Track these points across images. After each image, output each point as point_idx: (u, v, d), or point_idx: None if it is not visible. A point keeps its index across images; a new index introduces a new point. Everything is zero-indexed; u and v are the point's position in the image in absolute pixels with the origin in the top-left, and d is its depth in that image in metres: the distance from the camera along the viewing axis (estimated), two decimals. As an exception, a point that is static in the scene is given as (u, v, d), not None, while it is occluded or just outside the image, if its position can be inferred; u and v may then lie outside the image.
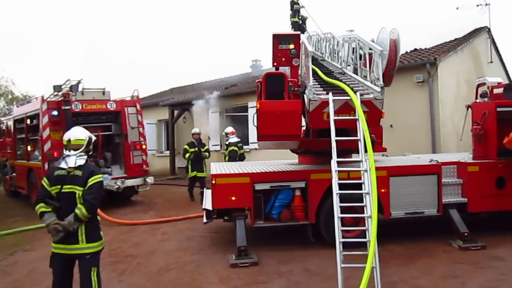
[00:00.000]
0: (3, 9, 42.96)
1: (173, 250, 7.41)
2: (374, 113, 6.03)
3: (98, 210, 9.93)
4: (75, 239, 4.25)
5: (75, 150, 4.41)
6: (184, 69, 51.12)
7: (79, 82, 11.70)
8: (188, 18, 62.83)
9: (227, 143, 11.63)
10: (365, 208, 5.47)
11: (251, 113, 15.52)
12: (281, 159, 10.75)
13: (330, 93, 5.88)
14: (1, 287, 5.96)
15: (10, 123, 13.94)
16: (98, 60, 51.18)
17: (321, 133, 7.02)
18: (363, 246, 5.98)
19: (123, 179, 11.57)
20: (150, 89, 39.78)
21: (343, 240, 5.21)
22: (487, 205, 7.37)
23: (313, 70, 6.49)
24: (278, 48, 7.00)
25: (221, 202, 6.88)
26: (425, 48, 13.15)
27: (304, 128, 7.03)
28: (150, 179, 11.94)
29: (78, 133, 4.52)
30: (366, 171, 5.48)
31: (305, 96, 6.49)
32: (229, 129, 11.98)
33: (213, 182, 6.81)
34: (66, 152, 4.42)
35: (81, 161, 4.37)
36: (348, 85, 6.11)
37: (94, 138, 4.75)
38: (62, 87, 10.82)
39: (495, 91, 8.12)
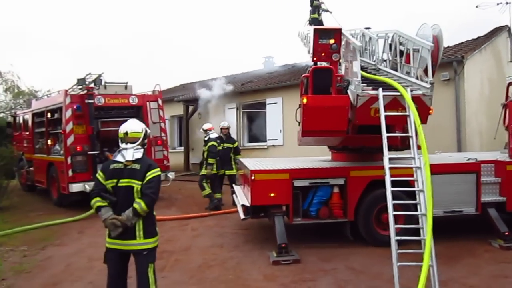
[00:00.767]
0: (3, 3, 42.59)
1: (208, 246, 7.31)
2: (422, 109, 5.92)
3: None
4: (133, 235, 4.14)
5: (131, 143, 4.30)
6: (194, 65, 50.88)
7: (99, 76, 11.56)
8: (198, 13, 62.55)
9: (206, 138, 10.97)
10: (418, 206, 5.36)
11: (269, 110, 15.49)
12: (301, 156, 10.69)
13: (380, 89, 5.77)
14: (41, 282, 5.85)
15: (27, 116, 13.81)
16: (100, 56, 50.80)
17: (360, 130, 6.90)
18: (404, 244, 6.00)
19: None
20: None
21: (398, 238, 5.09)
22: (526, 204, 7.27)
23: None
24: (318, 43, 6.85)
25: (260, 199, 6.77)
26: (448, 46, 13.02)
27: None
28: (171, 175, 11.83)
29: (134, 126, 4.41)
30: (419, 168, 5.37)
31: (348, 91, 6.41)
32: (208, 125, 11.32)
33: (253, 178, 6.70)
34: (122, 145, 4.30)
35: (139, 155, 4.26)
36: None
37: (149, 131, 4.66)
38: (86, 80, 10.67)
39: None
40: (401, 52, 7.14)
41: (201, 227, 8.68)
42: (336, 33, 6.89)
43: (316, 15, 15.14)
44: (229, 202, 10.47)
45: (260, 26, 60.01)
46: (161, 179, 4.35)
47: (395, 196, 6.95)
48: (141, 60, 53.88)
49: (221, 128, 11.20)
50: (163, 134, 12.03)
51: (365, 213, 6.95)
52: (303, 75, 6.58)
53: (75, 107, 10.52)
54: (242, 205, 6.92)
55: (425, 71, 6.41)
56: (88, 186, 10.39)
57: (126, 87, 11.71)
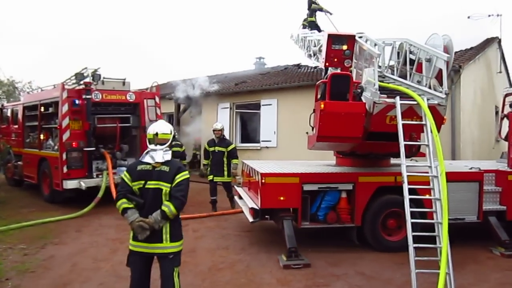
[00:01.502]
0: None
1: (214, 248, 7.25)
2: (436, 119, 6.02)
3: None
4: (159, 238, 4.08)
5: (161, 144, 4.23)
6: (181, 63, 50.45)
7: (96, 70, 11.36)
8: (187, 12, 62.11)
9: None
10: (434, 214, 5.44)
11: (264, 111, 15.49)
12: (295, 159, 10.71)
13: (398, 97, 5.84)
14: (49, 282, 5.69)
15: (17, 109, 13.42)
16: (83, 50, 49.81)
17: (369, 136, 6.97)
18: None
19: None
20: (142, 81, 39.25)
21: (416, 245, 5.16)
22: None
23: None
24: (331, 48, 6.89)
25: (269, 202, 6.76)
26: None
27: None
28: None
29: (164, 127, 4.33)
30: (436, 177, 5.46)
31: (362, 98, 6.46)
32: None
33: (263, 181, 6.68)
34: (151, 146, 4.22)
35: (168, 156, 4.20)
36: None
37: (175, 132, 4.59)
38: (84, 75, 10.45)
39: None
40: (411, 61, 7.26)
41: (202, 229, 8.60)
42: (350, 39, 6.94)
43: (313, 19, 15.36)
44: (223, 204, 10.40)
45: (251, 27, 60.02)
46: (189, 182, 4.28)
47: (401, 203, 7.11)
48: (128, 56, 53.01)
49: (213, 130, 10.20)
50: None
51: (372, 219, 7.02)
52: (320, 81, 6.60)
53: (72, 102, 10.29)
54: (252, 208, 6.88)
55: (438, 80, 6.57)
56: (83, 183, 10.23)
57: (124, 83, 11.50)
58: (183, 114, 17.98)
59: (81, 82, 10.44)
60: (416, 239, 6.03)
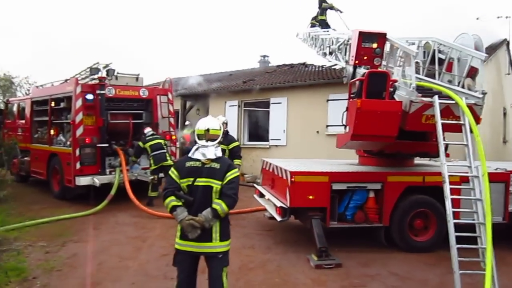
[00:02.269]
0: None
1: (239, 247, 7.12)
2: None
3: (137, 202, 9.55)
4: (209, 237, 3.95)
5: (212, 140, 4.10)
6: (184, 60, 50.12)
7: (107, 65, 11.18)
8: (189, 10, 61.70)
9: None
10: (475, 215, 5.38)
11: (273, 109, 15.38)
12: (305, 158, 10.63)
13: (436, 96, 5.78)
14: (79, 281, 5.54)
15: (24, 104, 13.18)
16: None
17: (400, 136, 6.90)
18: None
19: (153, 170, 11.17)
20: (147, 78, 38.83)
21: (459, 246, 5.10)
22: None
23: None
24: (361, 46, 6.80)
25: (298, 201, 6.67)
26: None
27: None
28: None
29: (215, 123, 4.19)
30: (476, 177, 5.40)
31: (395, 96, 6.39)
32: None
33: (293, 180, 6.59)
34: (201, 143, 4.07)
35: (219, 153, 4.08)
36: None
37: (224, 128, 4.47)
38: (100, 70, 10.26)
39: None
40: (439, 60, 7.19)
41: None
42: (380, 37, 6.84)
43: (324, 17, 15.27)
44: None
45: (255, 26, 59.77)
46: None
47: (428, 203, 7.09)
48: (127, 54, 52.49)
49: None
50: (172, 130, 11.72)
51: (400, 219, 6.95)
52: (356, 78, 6.51)
53: (85, 97, 10.11)
54: (280, 207, 6.78)
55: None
56: (97, 180, 10.05)
57: (137, 79, 11.36)
58: (189, 112, 17.81)
59: (96, 77, 10.23)
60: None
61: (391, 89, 6.39)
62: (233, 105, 16.29)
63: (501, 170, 7.51)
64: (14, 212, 9.46)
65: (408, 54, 6.23)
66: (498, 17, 15.59)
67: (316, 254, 6.40)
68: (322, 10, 15.23)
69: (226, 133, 8.41)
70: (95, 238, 7.65)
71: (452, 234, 5.12)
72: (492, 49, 13.68)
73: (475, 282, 5.23)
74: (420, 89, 6.40)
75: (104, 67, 10.83)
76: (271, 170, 8.00)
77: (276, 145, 15.01)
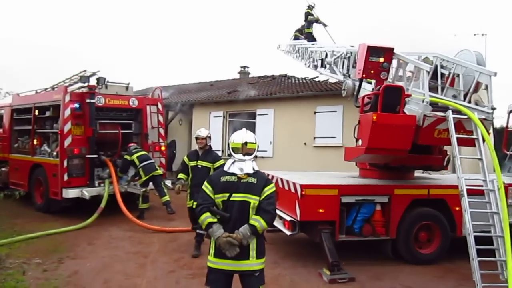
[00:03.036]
0: None
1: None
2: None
3: (131, 216, 9.14)
4: (246, 254, 3.81)
5: (249, 154, 3.98)
6: (160, 70, 49.24)
7: (93, 74, 10.86)
8: (166, 20, 60.92)
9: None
10: (492, 228, 5.47)
11: (260, 121, 15.33)
12: (292, 170, 10.58)
13: (450, 111, 5.88)
14: (88, 301, 5.25)
15: (2, 112, 12.54)
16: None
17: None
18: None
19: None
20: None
21: (480, 259, 5.16)
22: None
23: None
24: (369, 60, 6.88)
25: (309, 214, 6.60)
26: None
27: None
28: (168, 183, 11.23)
29: (251, 136, 4.07)
30: (492, 190, 5.51)
31: (405, 110, 6.47)
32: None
33: (303, 193, 6.53)
34: (238, 156, 3.94)
35: (256, 167, 3.96)
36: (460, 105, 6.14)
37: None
38: (89, 78, 9.93)
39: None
40: (442, 75, 7.36)
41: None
42: (387, 52, 6.94)
43: (310, 30, 15.45)
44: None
45: (233, 36, 59.62)
46: (275, 194, 4.06)
47: (433, 215, 7.19)
48: (102, 61, 51.17)
49: (196, 138, 7.38)
50: (161, 141, 11.45)
51: (406, 232, 7.00)
52: (370, 93, 6.55)
53: (74, 106, 9.73)
54: (290, 221, 6.68)
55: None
56: (86, 192, 9.64)
57: (127, 88, 11.03)
58: (170, 122, 17.49)
59: (85, 85, 9.88)
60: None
61: (401, 103, 6.47)
62: (218, 116, 16.12)
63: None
64: (-4, 226, 8.92)
65: (420, 69, 6.33)
66: (475, 34, 16.20)
67: (328, 268, 6.33)
68: (309, 23, 15.40)
69: (208, 148, 7.39)
70: (93, 254, 7.30)
71: (473, 247, 5.19)
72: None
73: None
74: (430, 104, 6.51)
75: (91, 76, 10.54)
76: (274, 183, 7.88)
77: (263, 157, 14.89)
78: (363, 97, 6.69)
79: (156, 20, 60.64)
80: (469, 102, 6.58)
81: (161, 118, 11.54)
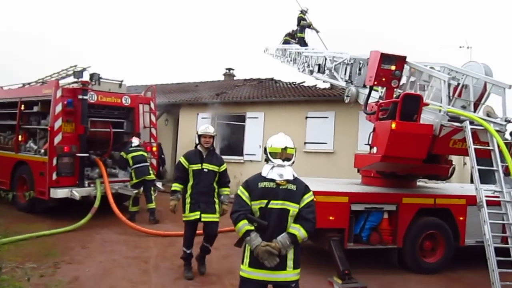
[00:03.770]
0: None
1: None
2: (495, 145, 6.15)
3: (124, 218, 8.80)
4: (283, 264, 3.66)
5: (288, 160, 3.83)
6: (143, 69, 47.94)
7: (84, 69, 10.45)
8: (150, 20, 59.52)
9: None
10: (510, 239, 5.50)
11: (249, 124, 15.15)
12: None
13: (467, 121, 5.90)
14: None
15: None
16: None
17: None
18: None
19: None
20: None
21: (501, 270, 5.17)
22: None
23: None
24: (381, 68, 6.86)
25: (319, 221, 6.39)
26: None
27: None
28: (159, 184, 10.91)
29: (290, 141, 3.92)
30: (510, 202, 5.54)
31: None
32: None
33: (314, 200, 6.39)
34: (277, 162, 3.78)
35: (295, 174, 3.81)
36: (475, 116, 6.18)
37: None
38: (83, 73, 9.52)
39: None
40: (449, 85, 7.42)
41: (221, 246, 8.03)
42: (399, 60, 6.95)
43: (303, 35, 15.45)
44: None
45: (217, 38, 58.73)
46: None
47: (438, 225, 7.22)
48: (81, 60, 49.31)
49: (200, 136, 6.11)
50: (153, 141, 11.11)
51: (413, 240, 6.99)
52: (387, 100, 6.51)
53: (66, 102, 9.30)
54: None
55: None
56: (76, 193, 9.21)
57: (120, 85, 10.65)
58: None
59: (79, 81, 9.47)
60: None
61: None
62: (206, 117, 15.85)
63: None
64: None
65: (437, 79, 6.34)
66: (460, 47, 16.61)
67: (338, 277, 6.22)
68: (301, 28, 15.40)
69: (212, 149, 6.29)
70: (89, 258, 6.93)
71: (493, 258, 5.20)
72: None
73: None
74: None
75: (82, 71, 10.14)
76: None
77: (251, 160, 14.77)
78: (378, 105, 6.63)
79: (135, 18, 59.53)
80: (476, 112, 6.65)
81: (153, 118, 11.22)
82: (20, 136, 10.37)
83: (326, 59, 10.49)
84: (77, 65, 10.45)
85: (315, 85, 15.56)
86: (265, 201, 3.67)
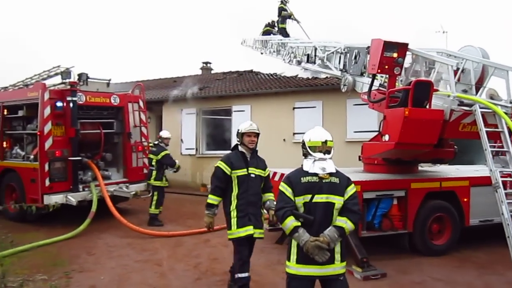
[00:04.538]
0: None
1: (267, 264, 6.78)
2: (500, 127, 6.29)
3: (125, 221, 8.59)
4: (331, 258, 3.64)
5: (328, 153, 3.78)
6: (115, 65, 46.14)
7: (67, 69, 10.06)
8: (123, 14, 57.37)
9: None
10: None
11: (236, 117, 14.99)
12: (272, 167, 10.46)
13: (477, 105, 6.01)
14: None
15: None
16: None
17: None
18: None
19: (127, 184, 10.23)
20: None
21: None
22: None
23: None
24: (383, 55, 6.89)
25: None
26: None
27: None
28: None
29: (328, 134, 3.87)
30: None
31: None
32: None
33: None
34: (318, 155, 3.73)
35: (336, 167, 3.77)
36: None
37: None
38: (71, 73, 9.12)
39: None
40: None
41: (229, 243, 7.94)
42: (401, 47, 7.01)
43: (284, 25, 15.39)
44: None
45: (191, 32, 57.16)
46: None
47: (445, 207, 7.37)
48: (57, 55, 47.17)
49: (242, 134, 5.23)
50: (143, 140, 10.82)
51: (422, 224, 7.12)
52: (398, 87, 6.54)
53: (55, 104, 8.91)
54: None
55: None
56: (72, 198, 8.88)
57: (108, 84, 10.30)
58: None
59: (67, 82, 9.09)
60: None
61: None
62: (190, 113, 15.59)
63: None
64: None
65: (444, 65, 6.42)
66: (436, 32, 16.89)
67: (357, 265, 6.27)
68: (283, 19, 15.35)
69: (257, 151, 5.49)
70: (98, 265, 6.70)
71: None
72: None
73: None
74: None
75: (69, 72, 9.73)
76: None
77: (240, 154, 14.62)
78: (388, 92, 6.67)
79: (105, 14, 57.43)
80: (479, 95, 6.79)
81: (143, 116, 10.91)
82: (4, 143, 9.88)
83: (316, 48, 10.49)
84: (60, 66, 10.03)
85: (297, 75, 15.53)
86: (309, 196, 3.63)
